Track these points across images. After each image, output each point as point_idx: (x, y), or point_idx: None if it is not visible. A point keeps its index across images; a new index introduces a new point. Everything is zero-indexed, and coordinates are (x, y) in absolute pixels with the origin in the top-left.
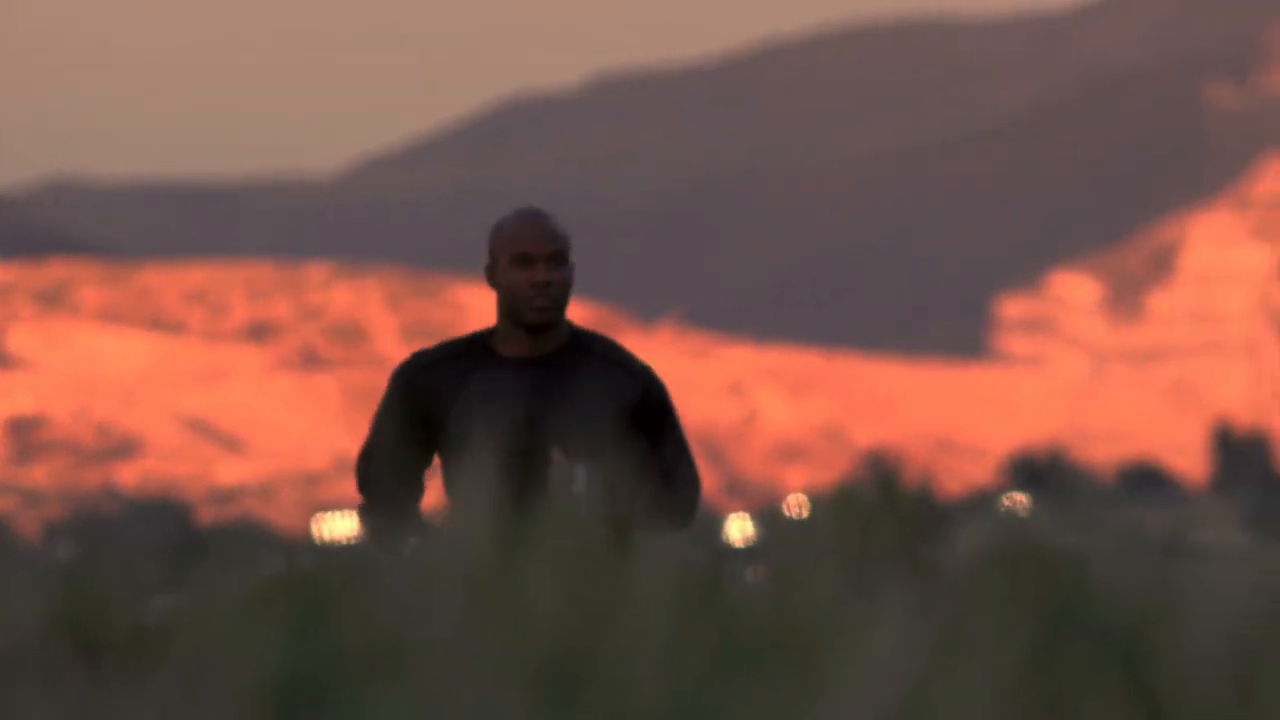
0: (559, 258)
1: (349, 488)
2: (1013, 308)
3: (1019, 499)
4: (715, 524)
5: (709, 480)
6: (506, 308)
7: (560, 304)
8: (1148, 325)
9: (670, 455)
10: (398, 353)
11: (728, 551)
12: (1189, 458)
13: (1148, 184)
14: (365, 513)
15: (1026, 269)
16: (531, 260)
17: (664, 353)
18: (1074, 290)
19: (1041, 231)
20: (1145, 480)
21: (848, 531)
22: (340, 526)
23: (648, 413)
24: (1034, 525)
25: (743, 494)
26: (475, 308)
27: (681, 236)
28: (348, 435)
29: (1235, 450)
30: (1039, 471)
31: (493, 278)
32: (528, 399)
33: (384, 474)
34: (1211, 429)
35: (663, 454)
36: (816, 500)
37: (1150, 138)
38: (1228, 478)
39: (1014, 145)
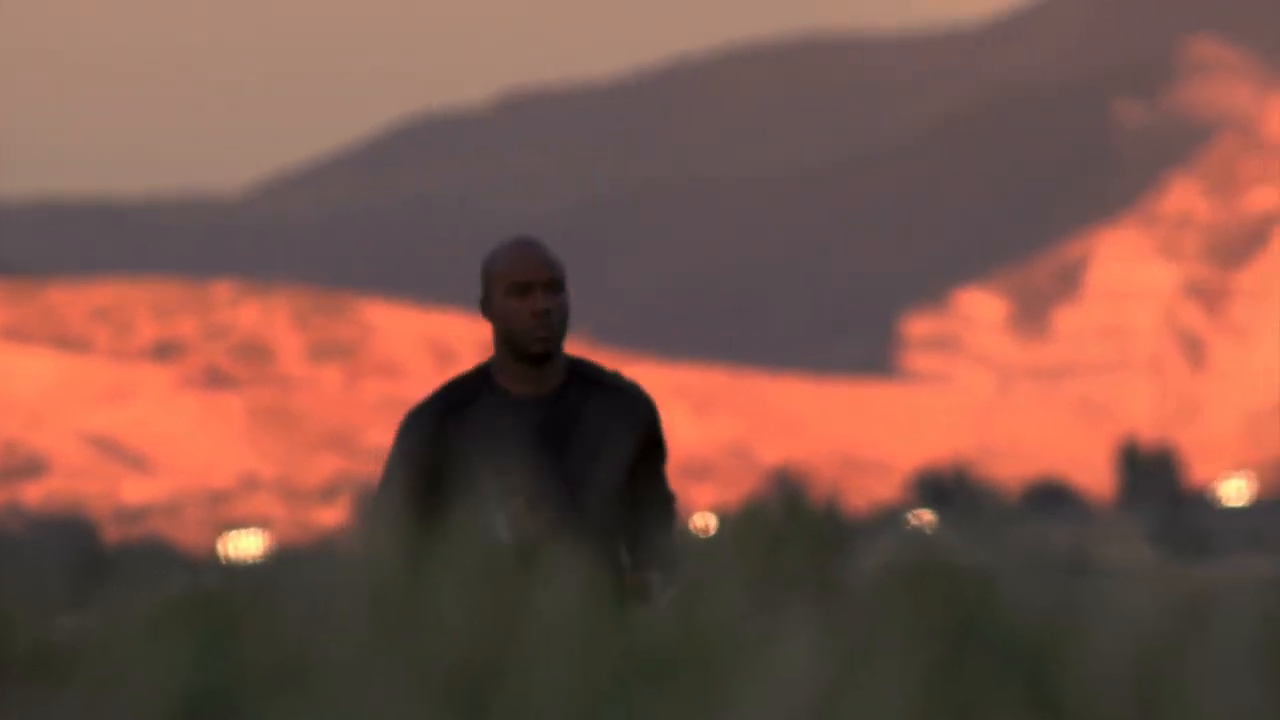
0: (556, 285)
1: (255, 505)
2: (919, 326)
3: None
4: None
5: None
6: (505, 340)
7: (561, 333)
8: (1054, 342)
9: (657, 490)
10: (304, 371)
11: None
12: (1095, 475)
13: (1055, 201)
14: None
15: (933, 287)
16: (529, 289)
17: None
18: (980, 308)
19: (948, 249)
20: (1051, 497)
21: (754, 549)
22: (245, 544)
23: (649, 441)
24: (940, 542)
25: None
26: (382, 327)
27: (588, 254)
28: (253, 454)
29: (1141, 467)
30: (945, 489)
31: (488, 310)
32: (544, 437)
33: (396, 533)
34: (1117, 446)
35: (652, 486)
36: (723, 518)
37: (1057, 155)
38: (1133, 495)
39: (921, 163)
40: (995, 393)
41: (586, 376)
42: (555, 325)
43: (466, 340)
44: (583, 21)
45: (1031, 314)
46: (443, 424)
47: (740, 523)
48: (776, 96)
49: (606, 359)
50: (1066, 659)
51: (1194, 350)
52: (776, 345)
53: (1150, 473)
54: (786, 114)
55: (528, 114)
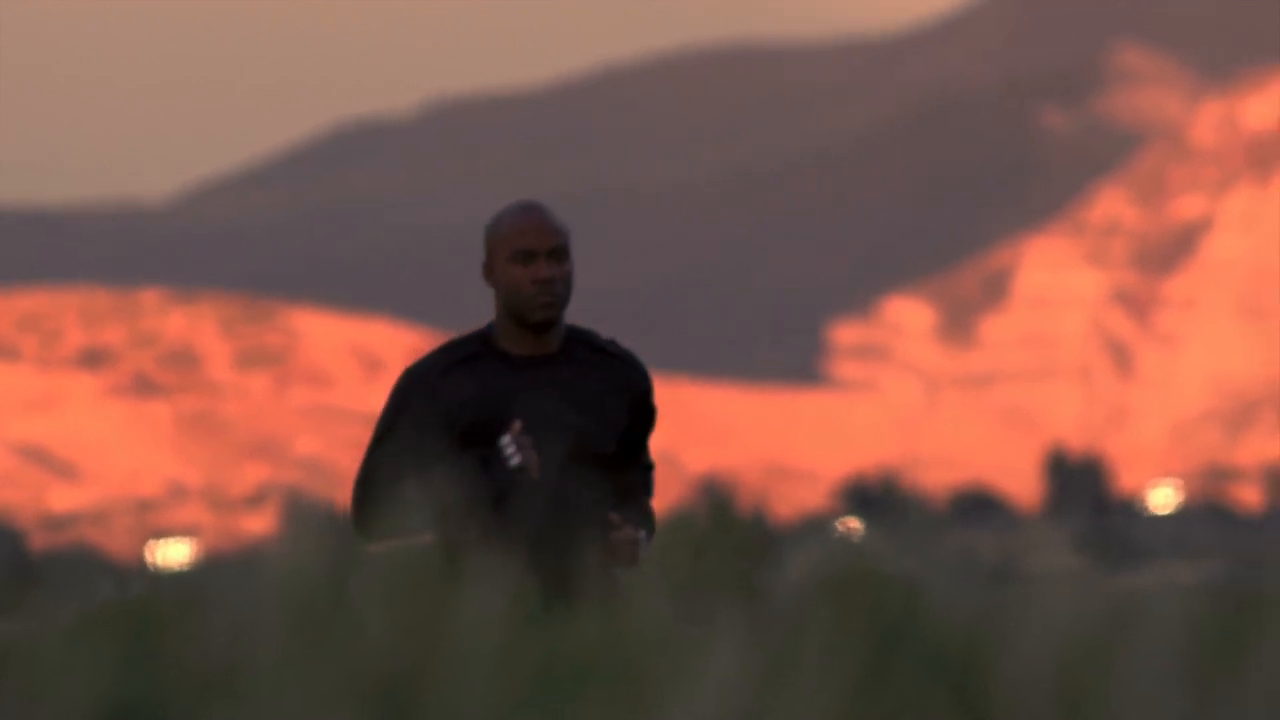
0: (560, 252)
1: (182, 514)
2: (846, 334)
3: (852, 524)
4: None
5: None
6: (507, 306)
7: (564, 300)
8: (981, 350)
9: (641, 456)
10: (231, 379)
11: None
12: (1022, 482)
13: (981, 209)
14: (366, 531)
15: (860, 295)
16: (532, 255)
17: None
18: (907, 316)
19: (875, 257)
20: (978, 505)
21: (681, 556)
22: (173, 552)
23: (641, 408)
24: (867, 551)
25: None
26: (310, 334)
27: None
28: (181, 462)
29: (1068, 475)
30: (872, 497)
31: (490, 276)
32: (544, 397)
33: (388, 504)
34: (1045, 454)
35: (637, 453)
36: None
37: (983, 162)
38: (1060, 502)
39: (847, 170)
40: (923, 401)
41: (584, 341)
42: (559, 293)
43: (394, 347)
44: (509, 30)
45: (959, 322)
46: (438, 383)
47: (667, 530)
48: (702, 105)
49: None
50: (992, 667)
51: (1121, 358)
52: (703, 353)
53: (1077, 481)
54: (712, 122)
55: (454, 122)
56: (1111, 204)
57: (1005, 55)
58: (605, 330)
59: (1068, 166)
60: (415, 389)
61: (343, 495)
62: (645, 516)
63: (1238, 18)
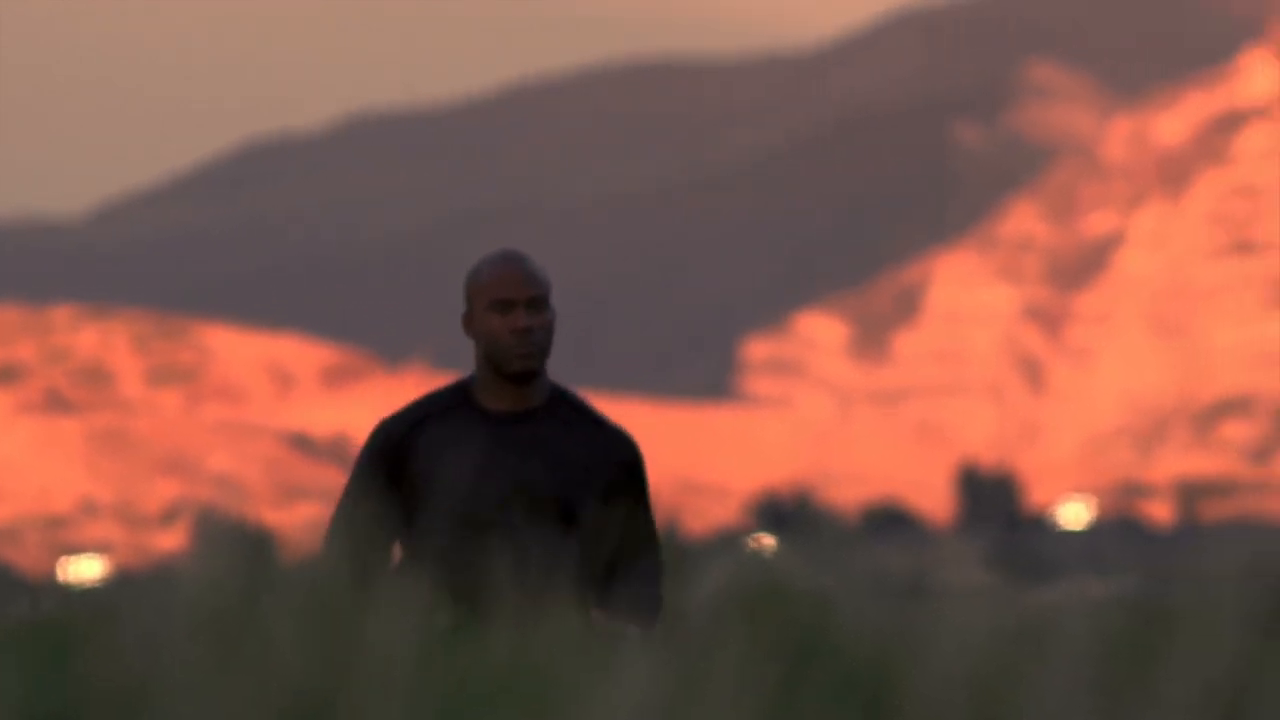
0: (539, 302)
1: (94, 531)
2: (758, 349)
3: (764, 540)
4: None
5: None
6: (486, 357)
7: (543, 351)
8: (893, 366)
9: (640, 534)
10: (143, 395)
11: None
12: (934, 498)
13: (894, 224)
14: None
15: (772, 310)
16: (511, 305)
17: (412, 395)
18: (820, 331)
19: (788, 272)
20: (890, 521)
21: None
22: (85, 569)
23: (627, 483)
24: (779, 566)
25: None
26: (222, 350)
27: (429, 277)
28: (92, 479)
29: (980, 490)
30: (784, 512)
31: (470, 326)
32: (515, 456)
33: (350, 547)
34: (957, 469)
35: (634, 530)
36: None
37: (897, 178)
38: (972, 518)
39: (760, 186)
40: (835, 416)
41: (567, 404)
42: (537, 343)
43: (306, 363)
44: (423, 45)
45: (871, 337)
46: (408, 436)
47: None
48: (618, 121)
49: (441, 383)
50: (904, 683)
51: (1033, 374)
52: (616, 368)
53: (989, 496)
54: (626, 138)
55: (368, 137)
56: (1024, 220)
57: (919, 71)
58: None
59: (980, 182)
60: (383, 441)
61: (254, 510)
62: (629, 602)
63: (1149, 35)
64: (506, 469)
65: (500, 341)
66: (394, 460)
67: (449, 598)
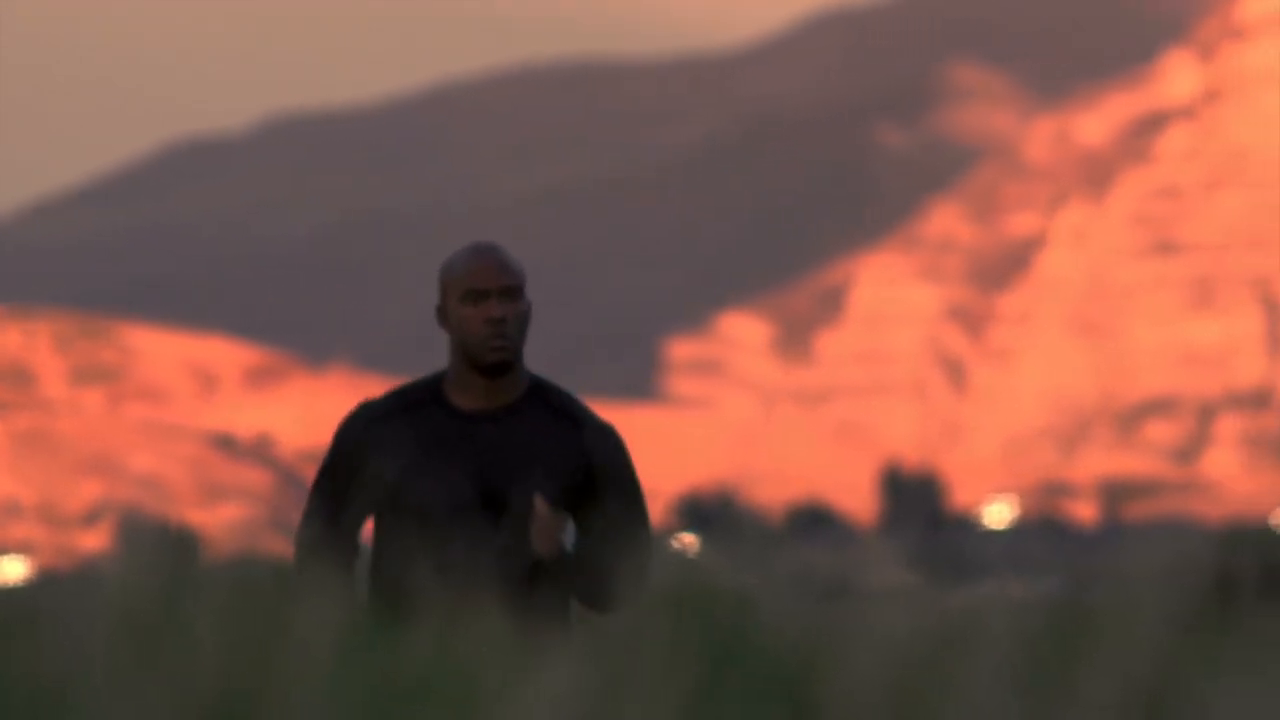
0: (513, 292)
1: (17, 531)
2: (682, 349)
3: (688, 540)
4: None
5: None
6: (460, 349)
7: (517, 343)
8: (817, 366)
9: (626, 521)
10: (66, 396)
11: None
12: (857, 498)
13: (816, 225)
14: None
15: (696, 311)
16: (484, 295)
17: (335, 396)
18: (743, 331)
19: (711, 273)
20: (813, 521)
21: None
22: (8, 569)
23: (605, 475)
24: (702, 566)
25: None
26: (145, 351)
27: (352, 278)
28: (15, 479)
29: (903, 490)
30: (708, 513)
31: (443, 318)
32: (477, 457)
33: (322, 542)
34: (880, 469)
35: (618, 519)
36: None
37: (819, 179)
38: (896, 518)
39: (684, 187)
40: (759, 416)
41: (544, 399)
42: (511, 334)
43: (230, 364)
44: (347, 46)
45: (794, 337)
46: (369, 434)
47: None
48: (538, 122)
49: (372, 386)
50: (827, 682)
51: (956, 373)
52: (539, 368)
53: (913, 496)
54: (548, 139)
55: (290, 138)
56: (946, 220)
57: (842, 72)
58: (441, 346)
59: (903, 183)
60: (349, 435)
61: (177, 510)
62: (606, 553)
63: (1070, 36)
64: (470, 470)
65: (473, 333)
66: (355, 457)
67: (403, 599)
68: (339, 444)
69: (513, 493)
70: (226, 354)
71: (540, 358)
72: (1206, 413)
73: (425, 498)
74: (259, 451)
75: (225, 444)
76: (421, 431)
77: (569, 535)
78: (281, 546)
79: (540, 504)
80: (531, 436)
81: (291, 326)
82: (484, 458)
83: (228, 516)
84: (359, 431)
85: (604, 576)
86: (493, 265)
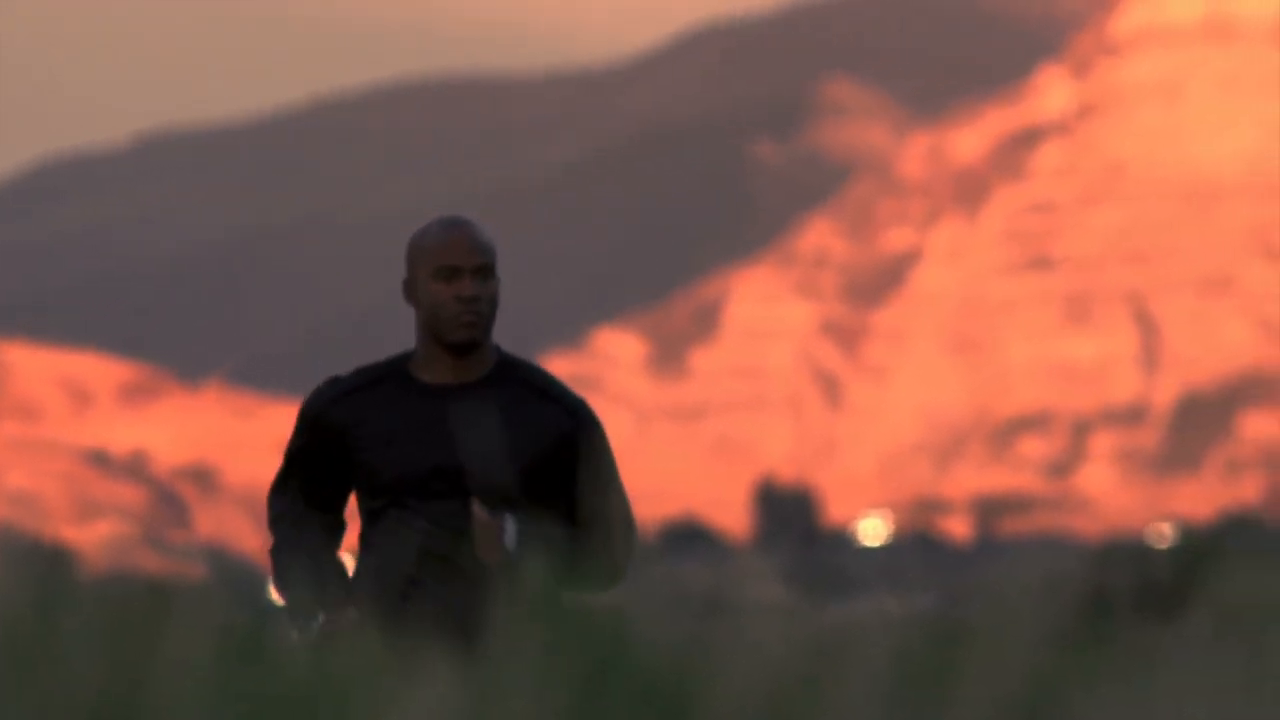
0: (486, 270)
1: None
2: (557, 365)
3: None
4: (261, 582)
5: (255, 540)
6: (428, 327)
7: (487, 321)
8: (691, 382)
9: (602, 496)
10: None
11: (274, 610)
12: (732, 514)
13: (691, 241)
14: (275, 554)
15: (570, 326)
16: (457, 272)
17: (210, 413)
18: (618, 347)
19: (585, 289)
20: (688, 537)
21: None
22: None
23: (577, 450)
24: None
25: None
26: (18, 366)
27: (227, 294)
28: None
29: (778, 506)
30: None
31: (411, 294)
32: (445, 433)
33: (293, 512)
34: (755, 485)
35: (594, 494)
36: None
37: (694, 194)
38: (770, 534)
39: (558, 202)
40: (633, 432)
41: (514, 375)
42: (482, 312)
43: (104, 380)
44: (222, 61)
45: (669, 353)
46: (331, 411)
47: None
48: (413, 136)
49: (246, 402)
50: (701, 698)
51: (831, 389)
52: None
53: (787, 512)
54: (423, 154)
55: (165, 153)
56: (820, 236)
57: (716, 87)
58: (319, 363)
59: (777, 198)
60: (308, 414)
61: (51, 527)
62: (558, 536)
63: (946, 51)
64: (434, 446)
65: (443, 310)
66: (324, 431)
67: (372, 582)
68: (305, 418)
69: (477, 471)
70: (100, 370)
71: None
72: (1081, 429)
73: (395, 471)
74: (133, 468)
75: (99, 461)
76: (390, 406)
77: (511, 536)
78: (156, 563)
79: (479, 511)
80: (503, 412)
81: (166, 343)
82: (453, 432)
83: (102, 533)
84: (325, 406)
85: (596, 552)
86: (467, 242)
